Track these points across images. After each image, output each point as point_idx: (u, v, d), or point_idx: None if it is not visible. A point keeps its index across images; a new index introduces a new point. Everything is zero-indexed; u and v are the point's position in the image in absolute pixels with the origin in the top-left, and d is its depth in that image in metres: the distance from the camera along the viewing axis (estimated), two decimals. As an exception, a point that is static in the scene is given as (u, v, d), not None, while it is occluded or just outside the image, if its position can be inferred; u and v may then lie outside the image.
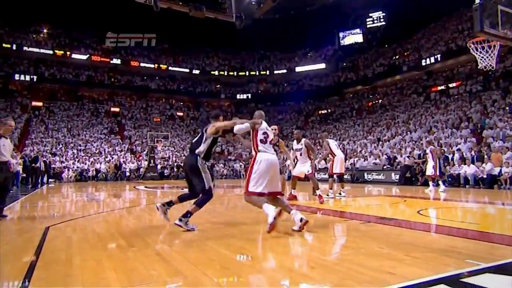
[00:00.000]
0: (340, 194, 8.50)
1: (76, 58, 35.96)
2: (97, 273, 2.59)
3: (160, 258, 2.93)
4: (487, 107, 18.76)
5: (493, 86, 22.14)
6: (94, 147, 27.50)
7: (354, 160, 18.21)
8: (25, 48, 33.77)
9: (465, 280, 2.18)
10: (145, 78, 39.60)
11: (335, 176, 8.85)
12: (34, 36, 35.74)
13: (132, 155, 27.26)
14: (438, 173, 10.68)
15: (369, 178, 16.88)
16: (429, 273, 2.30)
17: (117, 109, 36.57)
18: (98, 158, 24.89)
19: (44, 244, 3.54)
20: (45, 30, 36.75)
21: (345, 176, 17.57)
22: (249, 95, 43.31)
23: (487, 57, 6.89)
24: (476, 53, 7.06)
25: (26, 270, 2.60)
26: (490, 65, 6.95)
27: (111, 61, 37.86)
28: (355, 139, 25.04)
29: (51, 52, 34.98)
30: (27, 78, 32.75)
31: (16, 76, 32.35)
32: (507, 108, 17.17)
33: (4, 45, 32.62)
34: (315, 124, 37.82)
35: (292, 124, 40.44)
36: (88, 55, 36.72)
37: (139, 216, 5.96)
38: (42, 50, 34.57)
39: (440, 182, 10.87)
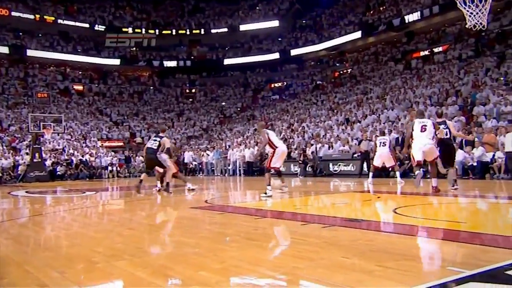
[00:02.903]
0: (282, 190, 9.43)
1: None
2: None
3: (45, 291, 2.80)
4: (479, 76, 20.22)
5: (486, 51, 23.94)
6: None
7: (316, 147, 18.79)
8: None
9: (444, 292, 2.36)
10: (20, 34, 36.96)
11: (272, 170, 9.63)
12: None
13: (5, 147, 25.55)
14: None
15: (335, 170, 17.59)
16: (403, 286, 2.45)
17: (-23, 80, 33.95)
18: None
19: None
20: None
21: (307, 169, 18.45)
22: (178, 62, 42.47)
23: (477, 14, 7.42)
24: (464, 8, 7.56)
25: None
26: (481, 23, 7.51)
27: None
28: (318, 120, 25.83)
29: None
30: None
31: None
32: (502, 78, 18.70)
33: None
34: (266, 101, 38.38)
35: (237, 100, 40.60)
36: None
37: (17, 235, 5.62)
38: None
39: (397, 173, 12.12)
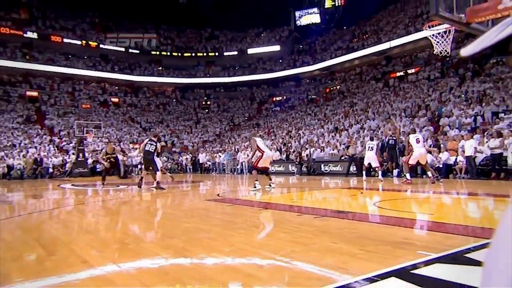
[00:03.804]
0: (270, 185, 9.63)
1: (-22, 29, 32.77)
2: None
3: (86, 266, 2.81)
4: (445, 94, 20.22)
5: (450, 73, 23.95)
6: (5, 138, 25.48)
7: (310, 151, 18.76)
8: None
9: (415, 271, 2.36)
10: (69, 56, 37.29)
11: (259, 169, 9.97)
12: None
13: (55, 148, 25.67)
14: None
15: (326, 170, 17.53)
16: (381, 267, 2.45)
17: (35, 93, 34.18)
18: (11, 152, 23.12)
19: None
20: None
21: (303, 169, 18.42)
22: (196, 79, 42.58)
23: (443, 42, 7.46)
24: (432, 38, 7.61)
25: None
26: (445, 50, 7.55)
27: (25, 35, 35.01)
28: (312, 128, 25.78)
29: None
30: None
31: None
32: (463, 95, 18.71)
33: None
34: (269, 112, 38.30)
35: (245, 111, 40.63)
36: (-6, 26, 33.65)
37: (64, 220, 5.65)
38: None
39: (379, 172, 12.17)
